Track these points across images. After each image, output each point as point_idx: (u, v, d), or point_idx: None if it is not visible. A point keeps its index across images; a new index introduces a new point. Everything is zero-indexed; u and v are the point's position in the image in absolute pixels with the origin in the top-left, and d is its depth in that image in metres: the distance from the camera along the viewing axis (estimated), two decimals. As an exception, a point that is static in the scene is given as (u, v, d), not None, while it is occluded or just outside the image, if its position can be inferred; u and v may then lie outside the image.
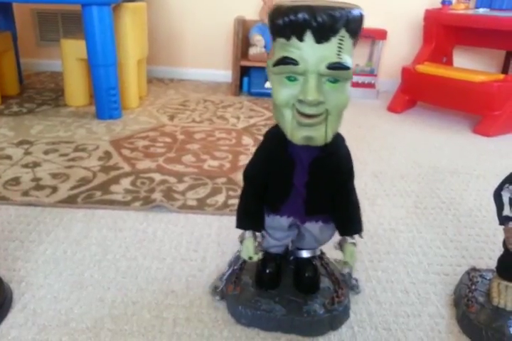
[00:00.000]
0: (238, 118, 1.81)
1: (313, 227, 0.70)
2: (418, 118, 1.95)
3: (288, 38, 0.53)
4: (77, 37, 1.82)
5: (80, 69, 1.79)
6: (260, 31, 2.11)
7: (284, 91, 0.56)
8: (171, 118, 1.76)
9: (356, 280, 0.81)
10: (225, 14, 2.30)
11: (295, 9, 0.51)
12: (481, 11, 1.98)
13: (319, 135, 0.57)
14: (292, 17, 0.51)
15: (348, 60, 0.54)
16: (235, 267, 0.76)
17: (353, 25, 0.52)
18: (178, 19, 2.36)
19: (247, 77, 2.19)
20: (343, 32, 0.52)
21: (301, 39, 0.52)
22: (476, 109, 1.82)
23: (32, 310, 0.73)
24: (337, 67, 0.53)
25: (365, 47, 2.33)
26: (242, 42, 2.09)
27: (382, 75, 2.35)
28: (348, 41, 0.53)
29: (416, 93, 1.98)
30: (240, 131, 1.64)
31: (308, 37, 0.52)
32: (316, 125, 0.56)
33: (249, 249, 0.68)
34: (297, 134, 0.57)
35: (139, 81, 1.92)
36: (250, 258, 0.69)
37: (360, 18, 0.53)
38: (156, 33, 2.36)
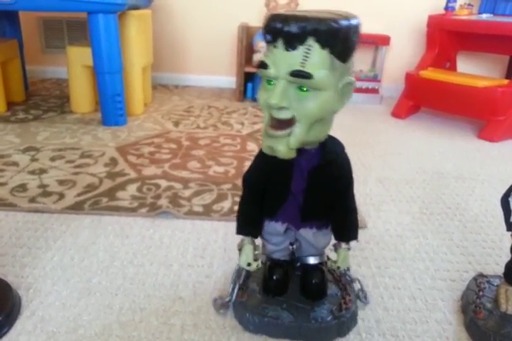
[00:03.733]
0: (243, 124, 1.82)
1: (307, 234, 0.71)
2: (422, 124, 1.95)
3: (268, 44, 0.57)
4: (82, 44, 1.84)
5: (86, 76, 1.80)
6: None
7: (263, 94, 0.58)
8: (176, 124, 1.77)
9: (363, 291, 0.79)
10: (228, 21, 2.32)
11: (273, 18, 0.54)
12: (485, 16, 1.98)
13: (282, 148, 0.59)
14: (270, 25, 0.55)
15: (315, 69, 0.53)
16: (241, 282, 0.75)
17: (324, 36, 0.52)
18: (182, 26, 2.38)
19: (251, 83, 2.20)
20: (310, 41, 0.53)
21: (275, 45, 0.55)
22: (480, 115, 1.82)
23: (40, 317, 0.73)
24: (297, 74, 0.54)
25: (369, 53, 2.34)
26: (246, 49, 2.11)
27: (386, 81, 2.36)
28: (317, 51, 0.53)
29: (420, 98, 1.99)
30: (244, 137, 1.65)
31: (280, 44, 0.54)
32: (280, 138, 0.58)
33: (249, 256, 0.70)
34: (264, 143, 0.61)
35: (144, 88, 1.94)
36: (249, 264, 0.70)
37: (333, 29, 0.52)
38: (161, 40, 2.38)
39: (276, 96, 0.55)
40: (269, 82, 0.57)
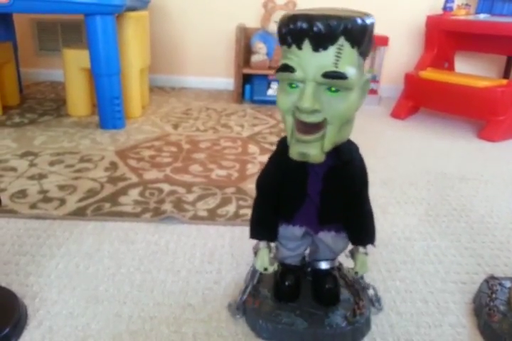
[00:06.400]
0: (242, 126, 1.80)
1: (325, 237, 0.69)
2: (422, 124, 1.95)
3: (289, 46, 0.54)
4: (78, 46, 1.81)
5: (82, 78, 1.78)
6: (262, 39, 2.11)
7: (285, 98, 0.56)
8: (175, 127, 1.75)
9: (376, 296, 0.77)
10: (226, 22, 2.30)
11: (295, 18, 0.52)
12: (482, 16, 1.99)
13: (315, 152, 0.57)
14: (292, 25, 0.52)
15: (348, 69, 0.52)
16: (254, 283, 0.74)
17: (354, 34, 0.51)
18: (179, 27, 2.36)
19: (250, 84, 2.18)
20: (341, 41, 0.51)
21: (299, 47, 0.53)
22: (480, 115, 1.83)
23: (48, 327, 0.71)
24: (332, 75, 0.52)
25: (366, 53, 2.33)
26: (244, 50, 2.10)
27: (384, 81, 2.36)
28: (348, 50, 0.52)
29: (419, 99, 1.99)
30: (245, 140, 1.63)
31: (306, 45, 0.52)
32: (312, 142, 0.56)
33: (264, 260, 0.68)
34: (293, 150, 0.58)
35: (142, 90, 1.92)
36: (265, 269, 0.69)
37: (362, 27, 0.52)
38: (157, 41, 2.36)
39: (308, 100, 0.53)
40: (291, 85, 0.55)
